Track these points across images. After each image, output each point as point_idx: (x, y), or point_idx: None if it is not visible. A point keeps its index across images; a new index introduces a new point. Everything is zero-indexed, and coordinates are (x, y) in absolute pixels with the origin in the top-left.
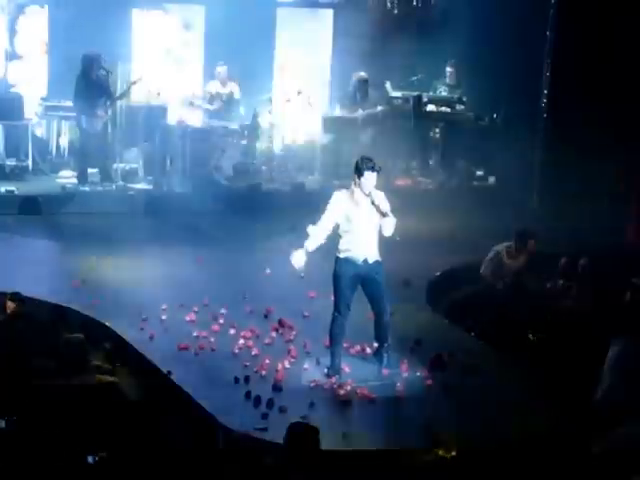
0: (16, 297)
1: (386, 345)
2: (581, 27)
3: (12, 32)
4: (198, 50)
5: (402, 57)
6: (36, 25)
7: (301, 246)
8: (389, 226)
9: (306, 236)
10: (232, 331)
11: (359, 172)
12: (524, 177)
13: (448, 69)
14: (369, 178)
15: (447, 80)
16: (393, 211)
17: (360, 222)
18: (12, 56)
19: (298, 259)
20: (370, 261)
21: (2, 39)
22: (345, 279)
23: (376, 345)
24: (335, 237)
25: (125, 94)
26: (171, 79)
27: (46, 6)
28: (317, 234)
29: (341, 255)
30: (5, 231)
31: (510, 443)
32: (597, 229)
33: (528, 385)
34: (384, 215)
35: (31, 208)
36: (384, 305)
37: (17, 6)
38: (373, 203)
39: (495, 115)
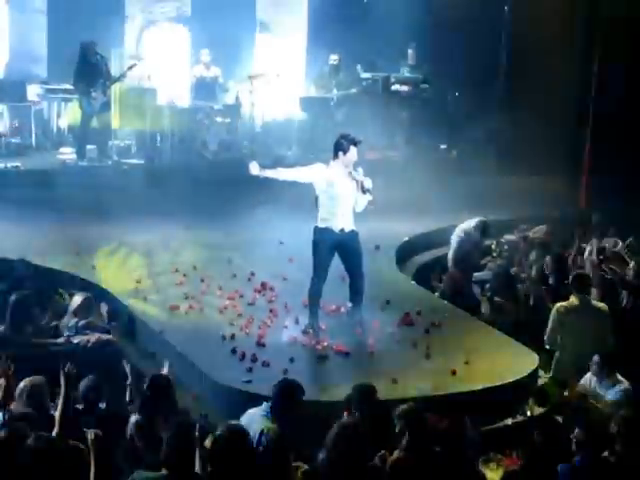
0: None
1: (359, 306)
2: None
3: (15, 28)
4: (184, 37)
5: (370, 40)
6: (36, 17)
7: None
8: (364, 202)
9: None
10: (218, 292)
11: (342, 148)
12: (484, 149)
13: (409, 51)
14: (353, 152)
15: (409, 61)
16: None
17: (338, 196)
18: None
19: (254, 167)
20: (346, 230)
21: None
22: (323, 246)
23: (350, 305)
24: (312, 208)
25: (121, 77)
26: (160, 64)
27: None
28: (282, 171)
29: (320, 225)
30: (11, 203)
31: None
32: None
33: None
34: (365, 192)
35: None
36: (360, 271)
37: (19, 2)
38: (356, 180)
39: (457, 93)
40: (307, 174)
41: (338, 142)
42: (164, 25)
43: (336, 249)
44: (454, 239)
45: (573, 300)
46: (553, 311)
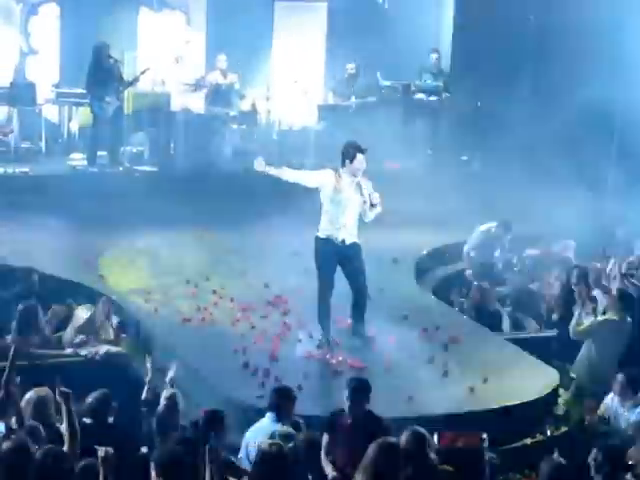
0: None
1: (361, 322)
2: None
3: (26, 31)
4: (200, 43)
5: (390, 47)
6: (48, 21)
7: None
8: (372, 215)
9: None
10: (231, 304)
11: (349, 156)
12: (507, 161)
13: (431, 58)
14: (359, 159)
15: (430, 69)
16: (383, 193)
17: (341, 206)
18: (29, 51)
19: (259, 164)
20: (347, 242)
21: (17, 38)
22: (324, 257)
23: (350, 322)
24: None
25: (134, 82)
26: (174, 69)
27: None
28: (287, 171)
29: (320, 234)
30: (18, 209)
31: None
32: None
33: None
34: (373, 206)
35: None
36: (360, 286)
37: (31, 6)
38: (362, 194)
39: (479, 102)
40: (313, 178)
41: (344, 150)
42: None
43: (337, 261)
44: (472, 237)
45: (611, 315)
46: (593, 319)
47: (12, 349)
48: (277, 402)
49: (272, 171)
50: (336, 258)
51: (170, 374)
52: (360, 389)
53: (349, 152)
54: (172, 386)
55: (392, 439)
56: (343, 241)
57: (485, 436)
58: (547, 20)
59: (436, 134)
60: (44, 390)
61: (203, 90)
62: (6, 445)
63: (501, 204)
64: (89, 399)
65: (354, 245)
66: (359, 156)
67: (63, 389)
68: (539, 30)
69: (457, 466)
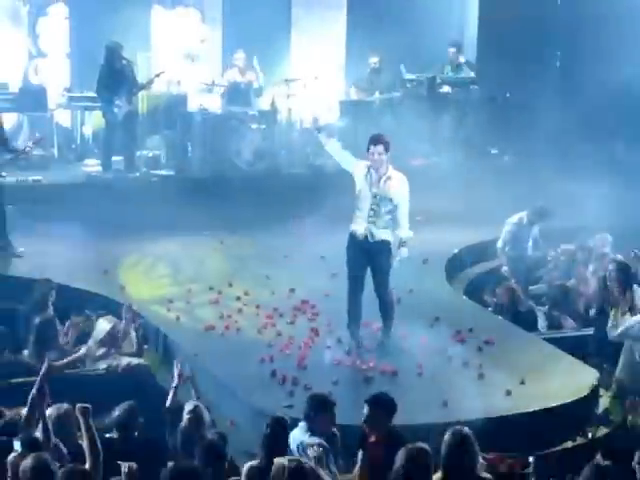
0: None
1: (388, 330)
2: None
3: (34, 33)
4: (216, 40)
5: (413, 40)
6: (57, 22)
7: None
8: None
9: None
10: (256, 311)
11: (367, 149)
12: (539, 153)
13: (456, 50)
14: (372, 151)
15: (456, 61)
16: (411, 191)
17: (366, 201)
18: (37, 54)
19: (315, 122)
20: (372, 240)
21: (25, 40)
22: (350, 253)
23: (380, 326)
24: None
25: (149, 85)
26: (190, 68)
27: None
28: (336, 144)
29: (350, 228)
30: (32, 219)
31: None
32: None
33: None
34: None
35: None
36: (382, 290)
37: (39, 8)
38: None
39: (508, 94)
40: (352, 162)
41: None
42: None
43: (365, 258)
44: (504, 231)
45: None
46: (630, 319)
47: (45, 366)
48: (308, 411)
49: (322, 138)
50: (363, 256)
51: (176, 372)
52: (377, 404)
53: (367, 145)
54: (197, 398)
55: (421, 444)
56: (367, 237)
57: (532, 460)
58: (575, 5)
59: (464, 128)
60: (64, 407)
61: (220, 89)
62: (26, 464)
63: (534, 198)
64: (116, 412)
65: (380, 242)
66: (372, 148)
67: (82, 404)
68: (567, 15)
69: None
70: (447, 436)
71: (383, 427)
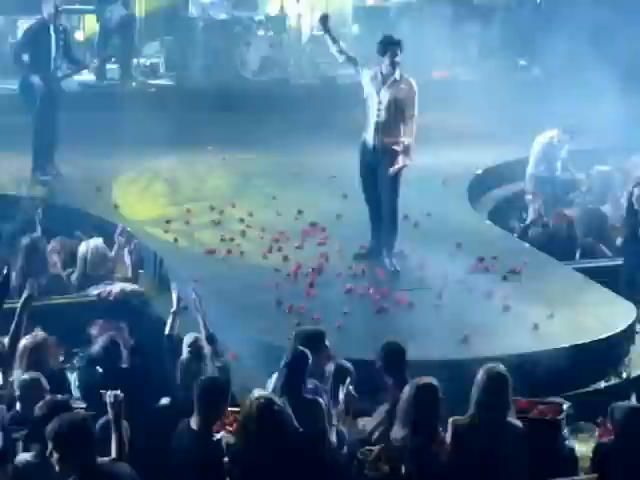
0: None
1: (387, 249)
2: None
3: None
4: None
5: None
6: None
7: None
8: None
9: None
10: (261, 234)
11: (380, 52)
12: (572, 66)
13: None
14: (387, 55)
15: None
16: (432, 106)
17: (374, 106)
18: None
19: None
20: (379, 148)
21: None
22: (361, 162)
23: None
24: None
25: None
26: None
27: None
28: (343, 45)
29: (361, 137)
30: (20, 133)
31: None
32: None
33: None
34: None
35: None
36: (382, 199)
37: None
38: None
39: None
40: (357, 63)
41: (377, 47)
42: None
43: (375, 174)
44: (532, 151)
45: None
46: None
47: (24, 295)
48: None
49: (328, 38)
50: (370, 166)
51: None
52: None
53: (379, 48)
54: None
55: (429, 378)
56: (374, 146)
57: (566, 406)
58: None
59: (490, 37)
60: (41, 336)
61: None
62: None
63: (566, 115)
64: (96, 347)
65: (386, 151)
66: (382, 49)
67: (113, 392)
68: None
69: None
70: (480, 375)
71: (400, 374)
